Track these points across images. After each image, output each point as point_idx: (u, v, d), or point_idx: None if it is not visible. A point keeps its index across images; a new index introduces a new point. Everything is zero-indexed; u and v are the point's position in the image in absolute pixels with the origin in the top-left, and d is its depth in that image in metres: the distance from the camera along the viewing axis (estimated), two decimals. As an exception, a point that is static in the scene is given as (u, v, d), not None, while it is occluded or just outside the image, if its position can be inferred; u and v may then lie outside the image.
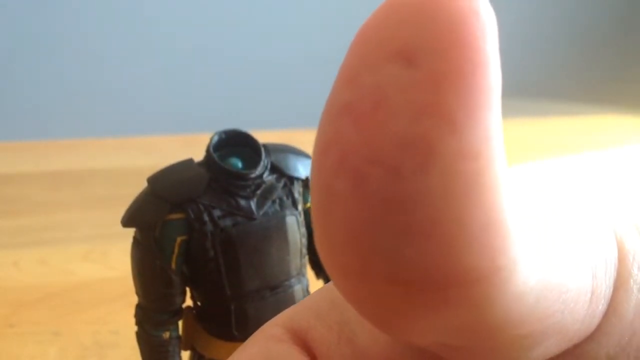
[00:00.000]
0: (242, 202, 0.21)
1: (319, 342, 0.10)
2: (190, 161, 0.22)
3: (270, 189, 0.21)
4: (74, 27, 1.25)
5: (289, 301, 0.22)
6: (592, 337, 0.08)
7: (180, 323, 0.22)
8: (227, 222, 0.20)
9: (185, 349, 0.23)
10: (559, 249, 0.08)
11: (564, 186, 0.09)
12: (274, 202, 0.21)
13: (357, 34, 0.06)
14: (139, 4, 1.27)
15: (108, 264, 0.38)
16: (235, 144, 0.21)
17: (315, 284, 0.23)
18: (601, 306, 0.08)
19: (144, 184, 0.21)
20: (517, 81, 1.50)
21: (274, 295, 0.22)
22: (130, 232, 0.21)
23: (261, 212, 0.21)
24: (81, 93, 1.29)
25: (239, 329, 0.22)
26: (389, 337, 0.09)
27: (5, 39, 1.22)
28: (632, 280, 0.08)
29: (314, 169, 0.07)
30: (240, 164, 0.21)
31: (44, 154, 0.52)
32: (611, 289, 0.08)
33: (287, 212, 0.21)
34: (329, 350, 0.10)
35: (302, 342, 0.10)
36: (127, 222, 0.21)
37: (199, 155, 0.22)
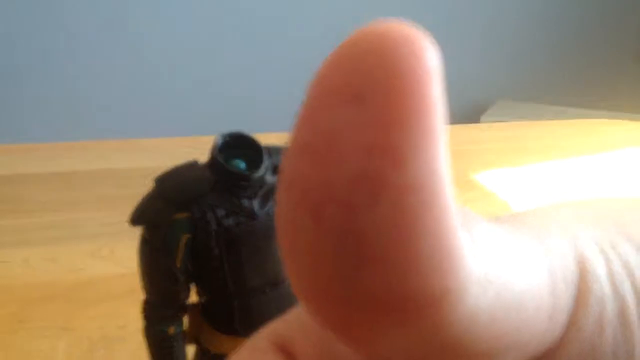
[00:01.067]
0: (245, 202, 0.21)
1: (302, 353, 0.10)
2: (195, 162, 0.22)
3: (272, 189, 0.22)
4: (82, 31, 1.25)
5: (289, 298, 0.22)
6: (553, 350, 0.09)
7: (185, 318, 0.23)
8: (231, 221, 0.21)
9: (190, 343, 0.23)
10: (516, 268, 0.08)
11: (524, 209, 0.09)
12: (275, 202, 0.21)
13: (315, 76, 0.07)
14: (145, 8, 1.28)
15: (115, 261, 0.38)
16: (238, 146, 0.22)
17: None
18: (561, 321, 0.09)
19: (150, 185, 0.22)
20: (511, 85, 1.50)
21: (276, 292, 0.22)
22: (137, 230, 0.22)
23: (263, 212, 0.21)
24: (89, 96, 1.30)
25: (242, 324, 0.22)
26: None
27: (15, 42, 1.22)
28: (592, 297, 0.09)
29: (279, 203, 0.07)
30: (243, 166, 0.21)
31: (53, 155, 0.52)
32: (571, 305, 0.09)
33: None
34: None
35: (287, 353, 0.10)
36: (134, 220, 0.22)
37: (203, 157, 0.22)
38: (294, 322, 0.11)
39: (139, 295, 0.22)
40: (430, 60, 0.07)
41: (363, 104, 0.06)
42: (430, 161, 0.07)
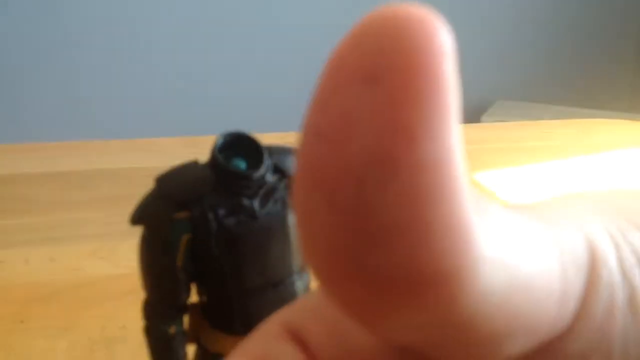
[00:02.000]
0: (246, 202, 0.21)
1: (314, 339, 0.10)
2: (195, 162, 0.22)
3: (273, 189, 0.22)
4: (82, 31, 1.26)
5: (290, 297, 0.22)
6: (563, 337, 0.09)
7: (185, 318, 0.23)
8: (231, 221, 0.21)
9: (191, 343, 0.23)
10: (527, 252, 0.08)
11: (536, 194, 0.09)
12: (276, 201, 0.22)
13: (327, 60, 0.07)
14: (146, 8, 1.28)
15: (116, 261, 0.38)
16: (239, 146, 0.22)
17: (316, 281, 0.23)
18: (571, 307, 0.09)
19: (150, 184, 0.22)
20: (511, 85, 1.50)
21: (276, 292, 0.22)
22: (137, 230, 0.22)
23: (264, 212, 0.21)
24: (90, 96, 1.30)
25: (242, 323, 0.22)
26: (375, 339, 0.10)
27: (15, 42, 1.23)
28: (602, 283, 0.09)
29: (294, 186, 0.07)
30: (243, 165, 0.21)
31: (54, 155, 0.52)
32: (582, 291, 0.09)
33: (289, 211, 0.22)
34: (323, 347, 0.10)
35: (299, 339, 0.11)
36: (135, 220, 0.22)
37: (203, 156, 0.22)
38: (306, 309, 0.11)
39: (140, 295, 0.22)
40: (443, 39, 0.07)
41: (376, 84, 0.07)
42: (444, 139, 0.07)
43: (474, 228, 0.07)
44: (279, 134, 0.43)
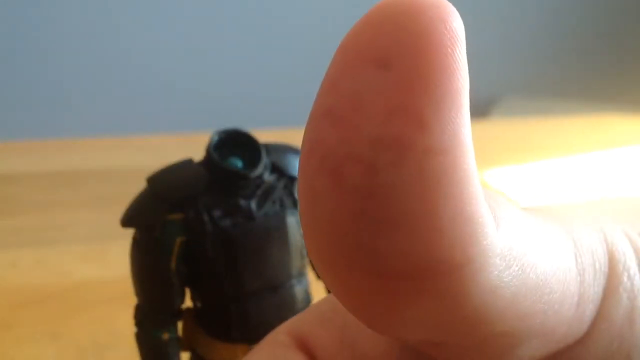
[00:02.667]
0: (242, 202, 0.21)
1: (321, 347, 0.10)
2: (189, 161, 0.21)
3: (271, 189, 0.21)
4: (72, 26, 1.24)
5: (289, 302, 0.22)
6: (581, 341, 0.09)
7: (179, 324, 0.22)
8: (227, 222, 0.20)
9: (185, 350, 0.23)
10: (543, 251, 0.08)
11: (547, 193, 0.09)
12: (274, 202, 0.21)
13: (339, 44, 0.07)
14: (137, 2, 1.27)
15: (106, 264, 0.38)
16: (235, 144, 0.21)
17: (315, 284, 0.23)
18: (589, 311, 0.08)
19: (142, 184, 0.21)
20: (519, 80, 1.50)
21: (275, 296, 0.21)
22: (129, 232, 0.21)
23: (261, 213, 0.21)
24: (79, 92, 1.28)
25: (239, 330, 0.21)
26: (387, 343, 0.10)
27: (2, 38, 1.21)
28: (621, 288, 0.09)
29: (299, 170, 0.07)
30: (240, 164, 0.21)
31: (41, 153, 0.52)
32: (600, 295, 0.09)
33: (288, 212, 0.21)
34: (331, 355, 0.10)
35: (306, 348, 0.10)
36: (126, 222, 0.21)
37: (198, 155, 0.22)
38: (314, 317, 0.11)
39: (131, 300, 0.22)
40: (455, 25, 0.07)
41: (388, 67, 0.07)
42: (454, 125, 0.07)
43: (485, 218, 0.07)
44: (277, 131, 0.42)
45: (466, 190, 0.07)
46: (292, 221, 0.21)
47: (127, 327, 0.22)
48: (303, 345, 0.10)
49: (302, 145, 0.07)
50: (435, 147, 0.06)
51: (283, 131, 0.43)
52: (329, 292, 0.16)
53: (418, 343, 0.08)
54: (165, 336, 0.21)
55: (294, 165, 0.22)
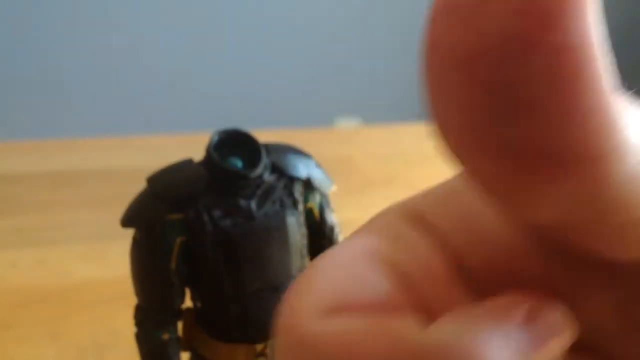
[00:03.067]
0: (242, 203, 0.21)
1: (442, 223, 0.10)
2: (189, 161, 0.21)
3: (271, 189, 0.21)
4: (73, 26, 1.24)
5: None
6: None
7: (179, 324, 0.22)
8: (227, 222, 0.20)
9: (185, 350, 0.23)
10: None
11: None
12: (274, 202, 0.21)
13: None
14: (137, 3, 1.27)
15: (107, 264, 0.38)
16: (235, 144, 0.21)
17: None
18: None
19: (142, 184, 0.21)
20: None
21: (275, 296, 0.21)
22: (129, 232, 0.21)
23: (261, 213, 0.21)
24: (79, 92, 1.28)
25: (239, 329, 0.21)
26: (510, 228, 0.09)
27: (2, 38, 1.21)
28: None
29: (425, 64, 0.07)
30: (240, 164, 0.21)
31: (42, 153, 0.52)
32: None
33: (288, 212, 0.21)
34: (453, 230, 0.10)
35: (422, 224, 0.10)
36: (126, 222, 0.21)
37: (198, 155, 0.21)
38: (429, 196, 0.10)
39: (131, 300, 0.22)
40: None
41: None
42: (585, 23, 0.07)
43: (619, 113, 0.07)
44: (277, 131, 0.42)
45: (600, 85, 0.07)
46: (292, 221, 0.21)
47: (127, 327, 0.22)
48: (420, 222, 0.10)
49: (425, 40, 0.07)
50: (565, 44, 0.07)
51: (283, 131, 0.43)
52: None
53: (547, 222, 0.08)
54: (165, 336, 0.21)
55: (294, 165, 0.22)
